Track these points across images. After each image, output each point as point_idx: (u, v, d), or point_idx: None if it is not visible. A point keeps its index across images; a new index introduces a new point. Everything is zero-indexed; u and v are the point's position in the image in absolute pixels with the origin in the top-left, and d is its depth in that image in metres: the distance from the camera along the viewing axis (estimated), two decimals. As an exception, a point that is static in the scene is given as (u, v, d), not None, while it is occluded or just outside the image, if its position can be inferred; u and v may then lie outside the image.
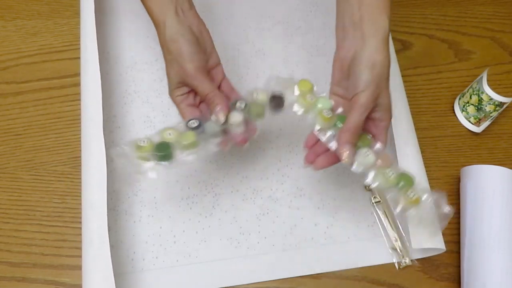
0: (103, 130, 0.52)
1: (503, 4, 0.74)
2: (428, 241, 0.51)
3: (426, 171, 0.56)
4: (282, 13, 0.69)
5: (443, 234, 0.53)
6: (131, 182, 0.45)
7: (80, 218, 0.50)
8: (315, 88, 0.50)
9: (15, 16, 0.66)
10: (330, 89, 0.51)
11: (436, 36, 0.70)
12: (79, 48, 0.59)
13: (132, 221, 0.55)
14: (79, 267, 0.50)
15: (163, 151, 0.45)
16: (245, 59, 0.65)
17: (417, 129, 0.60)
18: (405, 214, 0.46)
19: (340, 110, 0.49)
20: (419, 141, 0.58)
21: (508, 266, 0.50)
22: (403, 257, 0.54)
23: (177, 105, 0.50)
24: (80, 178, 0.52)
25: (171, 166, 0.46)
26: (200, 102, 0.51)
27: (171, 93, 0.50)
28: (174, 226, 0.55)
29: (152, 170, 0.45)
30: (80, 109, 0.55)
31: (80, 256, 0.49)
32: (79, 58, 0.58)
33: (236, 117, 0.48)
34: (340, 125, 0.47)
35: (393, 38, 0.67)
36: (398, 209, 0.45)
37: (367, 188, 0.57)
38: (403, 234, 0.55)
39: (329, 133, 0.47)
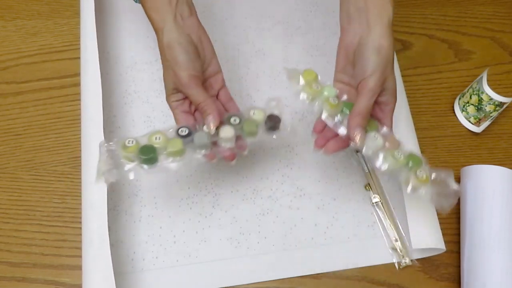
0: (103, 130, 0.52)
1: (503, 4, 0.74)
2: (428, 241, 0.52)
3: (426, 171, 0.56)
4: (282, 13, 0.69)
5: (443, 234, 0.53)
6: (107, 180, 0.43)
7: (80, 218, 0.51)
8: (319, 78, 0.51)
9: (15, 16, 0.66)
10: (334, 77, 0.51)
11: (436, 36, 0.70)
12: (79, 48, 0.59)
13: (132, 221, 0.54)
14: (79, 267, 0.50)
15: (146, 155, 0.45)
16: (245, 59, 0.65)
17: (417, 129, 0.60)
18: (416, 192, 0.47)
19: (344, 97, 0.50)
20: (419, 141, 0.59)
21: (508, 266, 0.50)
22: (403, 257, 0.54)
23: (172, 110, 0.50)
24: (80, 178, 0.52)
25: (153, 171, 0.45)
26: (195, 110, 0.51)
27: (167, 98, 0.50)
28: (174, 226, 0.55)
29: (132, 171, 0.45)
30: (80, 109, 0.56)
31: (80, 256, 0.49)
32: (79, 58, 0.58)
33: (228, 132, 0.47)
34: (347, 111, 0.48)
35: (393, 38, 0.67)
36: (409, 189, 0.47)
37: (367, 188, 0.57)
38: (403, 234, 0.55)
39: (336, 118, 0.48)
